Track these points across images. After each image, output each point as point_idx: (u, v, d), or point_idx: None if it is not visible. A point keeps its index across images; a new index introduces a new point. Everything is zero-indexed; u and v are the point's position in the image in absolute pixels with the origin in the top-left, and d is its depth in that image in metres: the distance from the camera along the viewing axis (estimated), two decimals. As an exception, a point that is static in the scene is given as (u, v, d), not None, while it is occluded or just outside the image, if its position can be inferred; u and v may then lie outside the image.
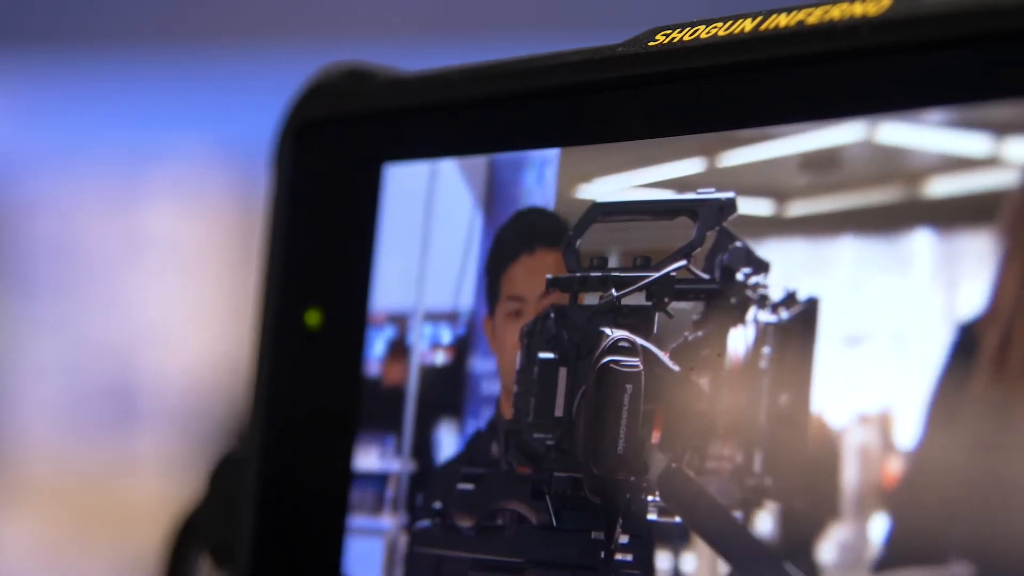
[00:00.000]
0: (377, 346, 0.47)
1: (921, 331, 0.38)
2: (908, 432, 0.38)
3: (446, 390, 0.46)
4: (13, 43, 1.88)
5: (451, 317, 0.46)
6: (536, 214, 0.45)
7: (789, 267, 0.40)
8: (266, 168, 0.49)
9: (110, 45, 1.88)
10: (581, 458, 0.43)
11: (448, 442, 0.46)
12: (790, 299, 0.40)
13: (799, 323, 0.40)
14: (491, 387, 0.45)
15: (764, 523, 0.40)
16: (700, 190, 0.42)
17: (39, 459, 1.86)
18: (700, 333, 0.41)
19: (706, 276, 0.41)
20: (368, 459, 0.47)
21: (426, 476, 0.46)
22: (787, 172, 0.41)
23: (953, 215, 0.38)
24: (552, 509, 0.43)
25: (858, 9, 0.39)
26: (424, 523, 0.45)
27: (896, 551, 0.38)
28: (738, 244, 0.41)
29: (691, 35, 0.42)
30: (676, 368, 0.42)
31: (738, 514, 0.40)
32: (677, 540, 0.41)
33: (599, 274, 0.43)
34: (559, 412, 0.43)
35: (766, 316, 0.40)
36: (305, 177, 0.48)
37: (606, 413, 0.42)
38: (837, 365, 0.39)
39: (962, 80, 0.38)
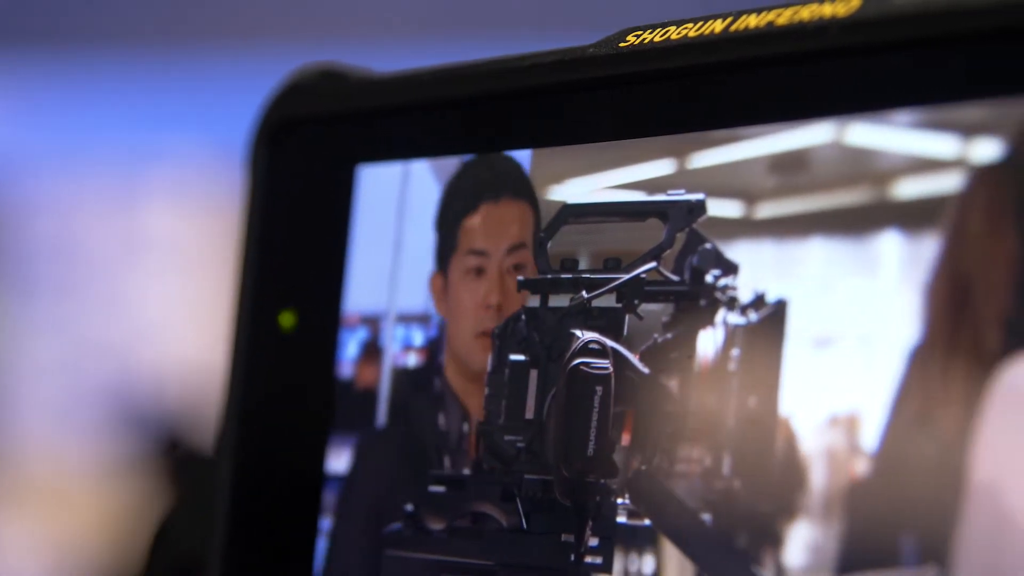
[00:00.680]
0: (350, 348, 0.47)
1: (889, 333, 0.38)
2: (877, 434, 0.38)
3: (418, 392, 0.46)
4: (13, 43, 1.88)
5: (423, 319, 0.46)
6: (495, 159, 0.44)
7: (758, 269, 0.40)
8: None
9: (110, 45, 1.88)
10: (551, 460, 0.42)
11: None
12: (759, 301, 0.40)
13: (768, 325, 0.40)
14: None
15: (732, 526, 0.40)
16: (670, 191, 0.42)
17: (39, 459, 1.87)
18: (670, 335, 0.41)
19: (676, 278, 0.41)
20: (341, 461, 0.47)
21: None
22: (756, 173, 0.41)
23: (922, 217, 0.38)
24: (522, 511, 0.43)
25: (827, 10, 0.39)
26: (395, 526, 0.45)
27: (863, 553, 0.38)
28: (707, 246, 0.41)
29: (662, 36, 0.42)
30: (646, 370, 0.41)
31: (707, 517, 0.40)
32: (646, 543, 0.41)
33: (570, 276, 0.43)
34: (530, 414, 0.43)
35: (735, 318, 0.40)
36: (279, 178, 0.48)
37: (576, 415, 0.42)
38: (806, 367, 0.39)
39: (931, 81, 0.38)
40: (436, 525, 0.45)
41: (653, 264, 0.42)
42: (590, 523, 0.42)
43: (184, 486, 0.50)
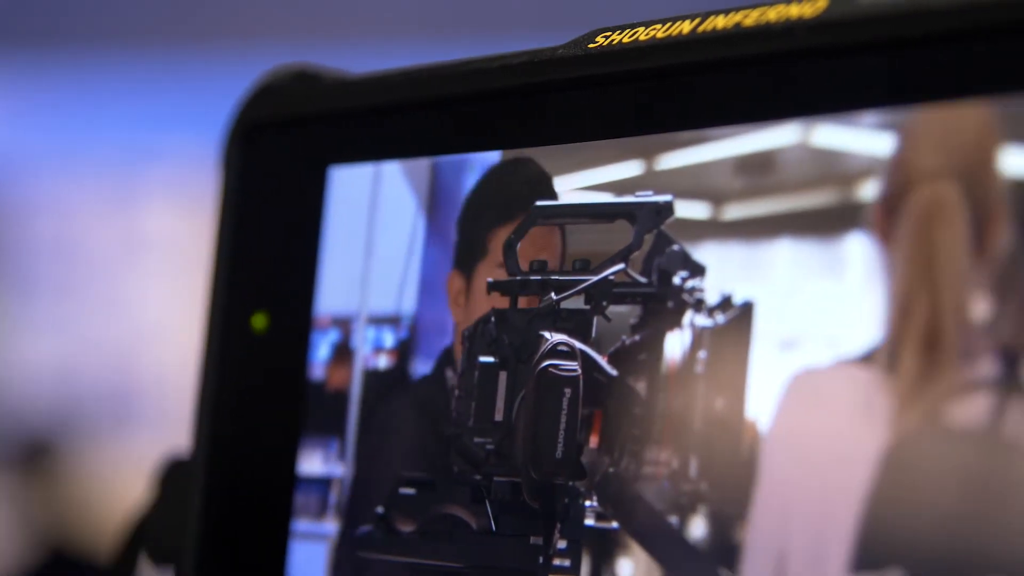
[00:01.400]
0: (322, 350, 0.47)
1: (855, 335, 0.38)
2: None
3: (388, 394, 0.46)
4: (13, 43, 1.88)
5: (394, 320, 0.46)
6: (527, 166, 0.43)
7: (725, 271, 0.40)
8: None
9: (110, 45, 1.88)
10: (520, 462, 0.42)
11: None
12: (726, 303, 0.40)
13: (735, 327, 0.40)
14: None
15: (699, 528, 0.40)
16: (638, 193, 0.42)
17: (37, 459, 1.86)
18: (637, 337, 0.41)
19: (644, 280, 0.41)
20: (312, 463, 0.47)
21: (369, 480, 0.46)
22: (724, 175, 0.41)
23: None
24: (491, 514, 0.43)
25: (794, 11, 0.39)
26: (366, 528, 0.45)
27: (827, 557, 0.38)
28: (675, 247, 0.41)
29: (630, 37, 0.42)
30: (614, 372, 0.41)
31: (674, 519, 0.40)
32: (614, 545, 0.41)
33: (539, 277, 0.43)
34: (499, 416, 0.43)
35: (702, 320, 0.40)
36: (253, 179, 0.48)
37: (545, 417, 0.42)
38: (772, 369, 0.39)
39: (897, 82, 0.38)
40: (406, 527, 0.45)
41: (621, 266, 0.42)
42: (558, 525, 0.42)
43: (161, 485, 0.50)
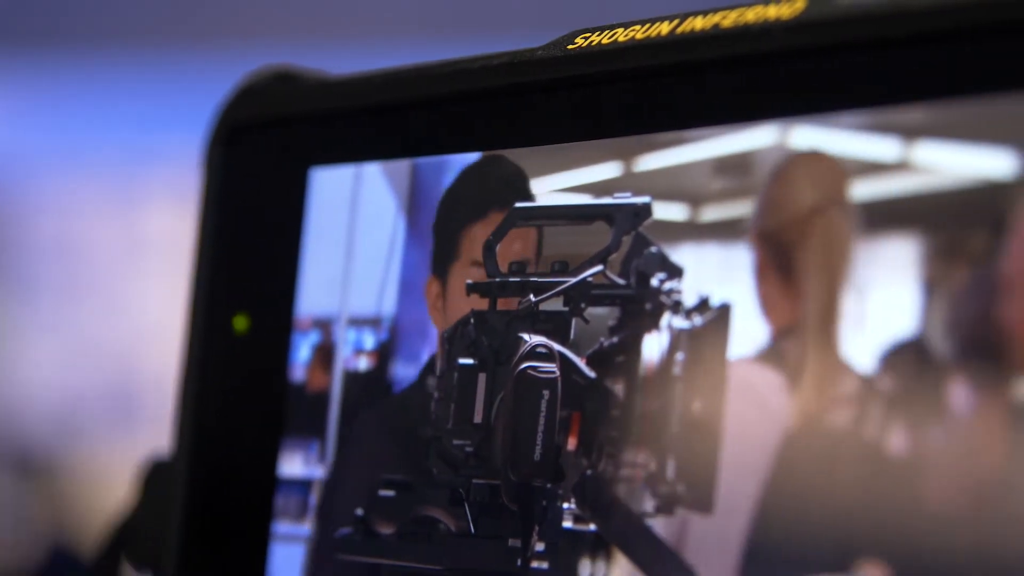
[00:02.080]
0: (302, 351, 0.47)
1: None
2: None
3: (369, 396, 0.46)
4: (13, 44, 1.88)
5: (374, 322, 0.46)
6: (500, 164, 0.43)
7: (703, 272, 0.40)
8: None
9: (110, 46, 1.88)
10: (499, 465, 0.42)
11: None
12: (703, 305, 0.40)
13: (712, 329, 0.40)
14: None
15: (677, 530, 0.40)
16: (616, 194, 0.41)
17: (38, 461, 1.87)
18: (615, 339, 0.41)
19: (622, 281, 0.41)
20: (293, 465, 0.47)
21: (349, 482, 0.46)
22: (702, 176, 0.40)
23: (865, 219, 0.38)
24: (470, 516, 0.43)
25: (772, 12, 0.39)
26: (346, 530, 0.45)
27: (807, 558, 0.38)
28: (653, 249, 0.41)
29: (610, 38, 0.42)
30: (592, 374, 0.41)
31: (651, 522, 0.40)
32: (592, 548, 0.41)
33: (518, 279, 0.43)
34: (478, 418, 0.43)
35: (680, 322, 0.40)
36: (234, 181, 0.48)
37: (523, 419, 0.42)
38: (749, 371, 0.39)
39: (875, 83, 0.38)
40: (385, 529, 0.44)
41: (599, 267, 0.41)
42: (536, 528, 0.41)
43: (143, 486, 0.49)
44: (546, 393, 0.42)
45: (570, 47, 0.42)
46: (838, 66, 0.38)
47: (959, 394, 0.36)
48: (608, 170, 0.42)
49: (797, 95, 0.39)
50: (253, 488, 0.47)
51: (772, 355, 0.38)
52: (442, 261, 0.44)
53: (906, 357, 0.37)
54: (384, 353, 0.46)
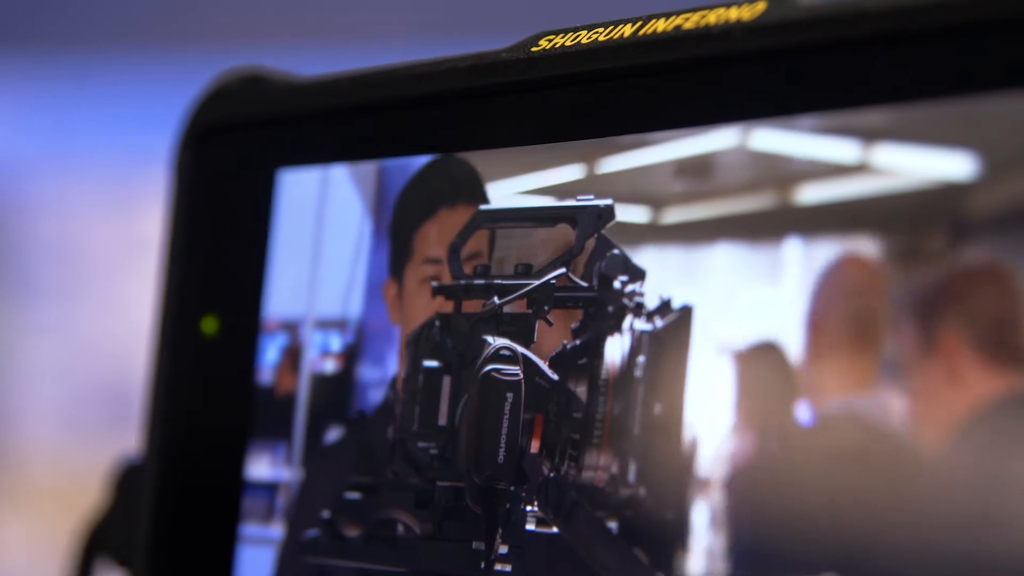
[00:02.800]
0: (270, 353, 0.47)
1: (793, 339, 0.38)
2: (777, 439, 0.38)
3: (335, 398, 0.46)
4: (13, 45, 1.89)
5: (340, 324, 0.46)
6: (450, 164, 0.44)
7: (664, 275, 0.40)
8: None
9: (111, 48, 1.88)
10: (463, 467, 0.42)
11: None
12: (665, 307, 0.40)
13: (673, 331, 0.39)
14: (379, 395, 0.45)
15: (637, 534, 0.40)
16: (579, 197, 0.41)
17: (38, 461, 1.87)
18: (578, 342, 0.41)
19: (584, 284, 0.41)
20: (260, 467, 0.47)
21: (316, 485, 0.46)
22: (664, 178, 0.40)
23: (824, 222, 0.38)
24: (435, 519, 0.43)
25: (733, 14, 0.39)
26: (312, 532, 0.45)
27: (767, 562, 0.38)
28: (615, 252, 0.41)
29: (573, 40, 0.42)
30: (555, 377, 0.41)
31: (612, 525, 0.40)
32: (555, 550, 0.41)
33: (482, 281, 0.43)
34: (443, 421, 0.43)
35: (641, 324, 0.40)
36: (203, 183, 0.48)
37: (487, 422, 0.42)
38: (711, 374, 0.39)
39: (835, 86, 0.37)
40: (352, 532, 0.44)
41: (562, 270, 0.41)
42: (500, 530, 0.41)
43: (116, 489, 0.49)
44: (510, 396, 0.42)
45: (534, 49, 0.42)
46: (799, 68, 0.38)
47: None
48: (572, 172, 0.42)
49: (758, 97, 0.39)
50: (221, 490, 0.47)
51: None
52: (398, 262, 0.44)
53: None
54: (350, 355, 0.46)
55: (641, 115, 0.40)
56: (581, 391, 0.41)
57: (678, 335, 0.39)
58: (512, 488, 0.41)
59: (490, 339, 0.42)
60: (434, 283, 0.44)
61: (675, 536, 0.39)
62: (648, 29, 0.40)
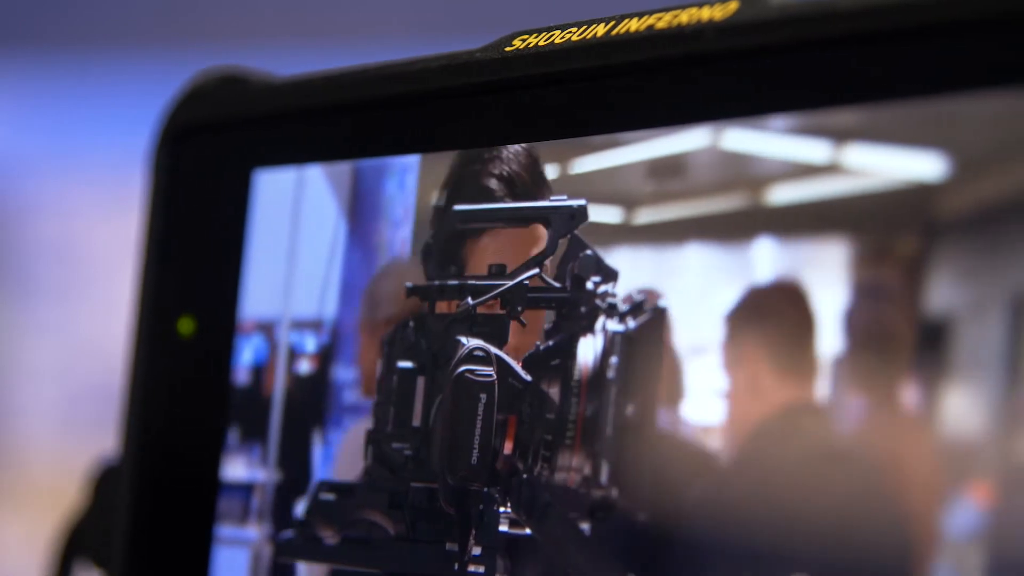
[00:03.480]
0: (245, 354, 0.47)
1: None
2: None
3: (310, 398, 0.46)
4: (13, 45, 1.89)
5: (315, 325, 0.46)
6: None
7: (637, 275, 0.40)
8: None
9: (111, 47, 1.88)
10: (437, 468, 0.42)
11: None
12: (637, 308, 0.40)
13: (646, 332, 0.39)
14: (353, 396, 0.45)
15: (610, 535, 0.39)
16: (553, 197, 0.41)
17: (38, 461, 1.87)
18: (551, 342, 0.41)
19: (557, 284, 0.41)
20: (235, 468, 0.47)
21: (291, 486, 0.46)
22: (636, 179, 0.40)
23: (796, 222, 0.38)
24: (409, 520, 0.42)
25: (705, 14, 0.39)
26: (288, 533, 0.45)
27: (740, 564, 0.37)
28: (588, 252, 0.40)
29: (547, 40, 0.41)
30: (528, 378, 0.41)
31: (585, 526, 0.40)
32: (528, 551, 0.41)
33: (456, 282, 0.43)
34: (416, 422, 0.43)
35: (614, 325, 0.40)
36: (180, 183, 0.48)
37: (461, 423, 0.42)
38: (683, 375, 0.39)
39: (806, 86, 0.37)
40: (326, 533, 0.44)
41: (536, 270, 0.41)
42: (473, 532, 0.41)
43: (94, 489, 0.49)
44: (483, 396, 0.41)
45: (508, 49, 0.42)
46: (771, 68, 0.38)
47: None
48: (545, 172, 0.42)
49: (730, 97, 0.38)
50: (197, 491, 0.47)
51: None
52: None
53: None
54: (326, 356, 0.45)
55: (614, 115, 0.40)
56: (554, 392, 0.40)
57: (651, 336, 0.39)
58: (486, 489, 0.41)
59: (464, 340, 0.42)
60: (409, 284, 0.43)
61: (647, 537, 0.39)
62: (621, 29, 0.40)
